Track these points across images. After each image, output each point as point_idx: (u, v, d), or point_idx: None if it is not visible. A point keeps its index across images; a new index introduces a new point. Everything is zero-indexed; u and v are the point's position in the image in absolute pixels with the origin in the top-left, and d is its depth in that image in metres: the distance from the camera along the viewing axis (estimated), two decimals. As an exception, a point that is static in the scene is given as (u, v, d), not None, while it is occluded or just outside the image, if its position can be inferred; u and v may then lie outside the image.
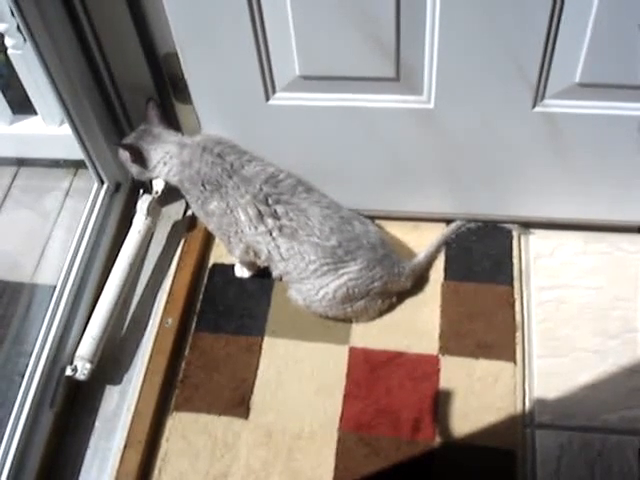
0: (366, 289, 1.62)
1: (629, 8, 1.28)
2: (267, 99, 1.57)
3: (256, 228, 1.54)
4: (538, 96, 1.48)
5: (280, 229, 1.54)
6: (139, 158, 1.63)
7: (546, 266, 1.77)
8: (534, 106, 1.50)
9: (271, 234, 1.55)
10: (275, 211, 1.53)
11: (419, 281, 1.75)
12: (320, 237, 1.55)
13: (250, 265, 1.77)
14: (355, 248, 1.59)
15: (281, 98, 1.57)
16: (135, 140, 1.65)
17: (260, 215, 1.53)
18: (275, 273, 1.66)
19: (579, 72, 1.41)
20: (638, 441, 1.49)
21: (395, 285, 1.68)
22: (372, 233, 1.65)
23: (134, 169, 1.68)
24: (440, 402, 1.57)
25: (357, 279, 1.59)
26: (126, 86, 1.71)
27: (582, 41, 1.35)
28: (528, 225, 1.84)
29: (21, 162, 2.18)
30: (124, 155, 1.68)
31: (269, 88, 1.55)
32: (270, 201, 1.53)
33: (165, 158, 1.61)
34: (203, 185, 1.56)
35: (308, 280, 1.60)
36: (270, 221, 1.53)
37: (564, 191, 1.71)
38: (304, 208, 1.55)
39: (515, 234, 1.83)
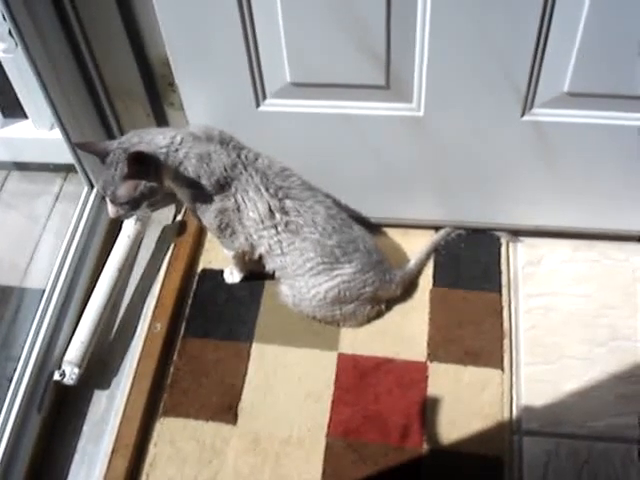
0: (357, 293, 1.63)
1: (618, 18, 1.29)
2: (257, 105, 1.58)
3: (263, 222, 1.53)
4: (527, 105, 1.49)
5: (286, 224, 1.53)
6: (145, 168, 1.40)
7: (534, 273, 1.78)
8: (523, 115, 1.51)
9: (276, 228, 1.54)
10: (284, 206, 1.52)
11: (408, 287, 1.76)
12: (322, 235, 1.55)
13: (241, 263, 1.76)
14: (352, 250, 1.59)
15: (271, 104, 1.58)
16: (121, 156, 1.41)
17: (270, 210, 1.51)
18: (269, 267, 1.65)
19: (568, 81, 1.42)
20: (625, 449, 1.49)
21: (385, 292, 1.69)
22: (368, 238, 1.66)
23: (145, 189, 1.42)
24: (428, 409, 1.57)
25: (350, 282, 1.60)
26: (117, 91, 1.71)
27: (571, 51, 1.36)
28: (517, 233, 1.84)
29: (11, 166, 2.17)
30: (127, 188, 1.41)
31: (260, 94, 1.56)
32: (280, 195, 1.52)
33: (174, 143, 1.42)
34: (221, 179, 1.47)
35: (302, 277, 1.60)
36: (278, 216, 1.52)
37: (553, 199, 1.72)
38: (311, 205, 1.55)
39: (504, 241, 1.84)
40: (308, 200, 1.55)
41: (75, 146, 1.57)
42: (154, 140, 1.42)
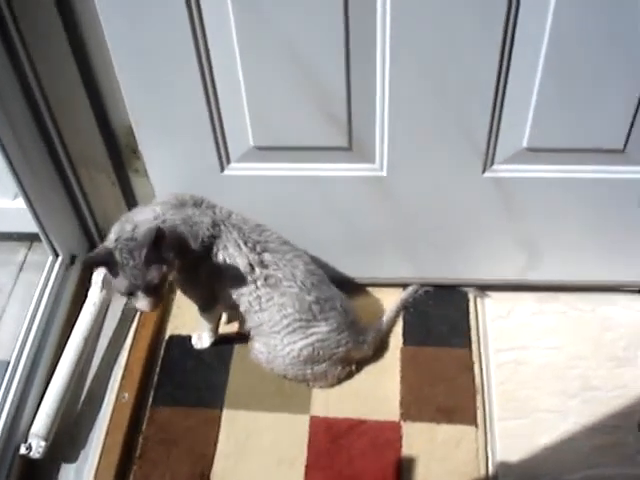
0: (330, 352, 1.62)
1: (572, 75, 1.34)
2: (222, 170, 1.59)
3: (244, 279, 1.52)
4: (487, 162, 1.51)
5: (266, 279, 1.52)
6: (174, 247, 1.39)
7: (503, 328, 1.78)
8: (484, 171, 1.53)
9: (256, 283, 1.52)
10: (263, 259, 1.51)
11: (379, 347, 1.75)
12: (302, 290, 1.54)
13: (214, 328, 1.76)
14: (329, 309, 1.59)
15: (236, 168, 1.59)
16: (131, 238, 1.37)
17: (249, 264, 1.50)
18: (246, 326, 1.63)
19: (526, 137, 1.46)
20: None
21: (358, 353, 1.69)
22: (344, 298, 1.66)
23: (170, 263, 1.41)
24: (404, 470, 1.55)
25: (324, 340, 1.59)
26: (81, 160, 1.70)
27: (528, 108, 1.40)
28: (484, 287, 1.85)
29: (-26, 236, 2.15)
30: (156, 268, 1.37)
31: (224, 159, 1.57)
32: (258, 249, 1.51)
33: (159, 215, 1.42)
34: (206, 240, 1.45)
35: (278, 335, 1.58)
36: (258, 270, 1.51)
37: (517, 253, 1.74)
38: (290, 259, 1.55)
39: (471, 297, 1.85)
40: (287, 254, 1.55)
41: (85, 267, 1.53)
42: (142, 219, 1.41)
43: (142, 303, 1.42)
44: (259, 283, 1.53)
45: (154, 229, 1.34)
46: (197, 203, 1.50)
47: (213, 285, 1.56)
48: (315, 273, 1.60)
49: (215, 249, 1.48)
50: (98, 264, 1.44)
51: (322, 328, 1.59)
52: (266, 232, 1.55)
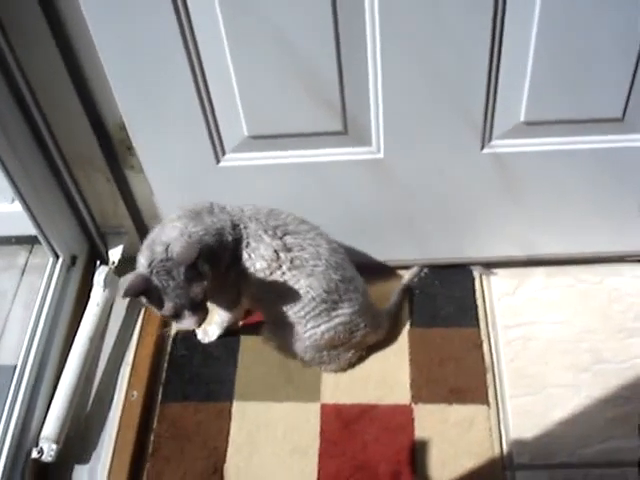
0: (349, 336, 1.61)
1: (565, 45, 1.32)
2: (218, 162, 1.58)
3: (269, 267, 1.48)
4: (485, 138, 1.50)
5: (291, 261, 1.49)
6: (207, 259, 1.37)
7: (510, 304, 1.77)
8: (482, 148, 1.52)
9: (282, 268, 1.49)
10: (285, 243, 1.48)
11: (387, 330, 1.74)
12: (328, 267, 1.52)
13: (232, 319, 1.74)
14: (353, 289, 1.58)
15: (231, 159, 1.58)
16: (165, 257, 1.35)
17: (275, 251, 1.47)
18: (270, 315, 1.61)
19: (523, 111, 1.44)
20: (620, 472, 1.48)
21: (372, 336, 1.68)
22: (362, 280, 1.65)
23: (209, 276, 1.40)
24: (417, 452, 1.55)
25: (346, 323, 1.58)
26: (75, 159, 1.69)
27: (523, 81, 1.38)
28: (489, 265, 1.84)
29: (-26, 242, 2.14)
30: (197, 284, 1.36)
31: (219, 151, 1.56)
32: (279, 233, 1.48)
33: (183, 230, 1.40)
34: (232, 243, 1.45)
35: (303, 319, 1.56)
36: (283, 255, 1.48)
37: (521, 229, 1.73)
38: (313, 237, 1.53)
39: (477, 275, 1.84)
40: (309, 233, 1.53)
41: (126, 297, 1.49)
42: (169, 237, 1.38)
43: (190, 321, 1.40)
44: (285, 267, 1.49)
45: (196, 246, 1.33)
46: (209, 209, 1.47)
47: (240, 285, 1.54)
48: (338, 251, 1.58)
49: (240, 249, 1.47)
50: (138, 294, 1.37)
51: (345, 310, 1.57)
52: (282, 215, 1.53)
